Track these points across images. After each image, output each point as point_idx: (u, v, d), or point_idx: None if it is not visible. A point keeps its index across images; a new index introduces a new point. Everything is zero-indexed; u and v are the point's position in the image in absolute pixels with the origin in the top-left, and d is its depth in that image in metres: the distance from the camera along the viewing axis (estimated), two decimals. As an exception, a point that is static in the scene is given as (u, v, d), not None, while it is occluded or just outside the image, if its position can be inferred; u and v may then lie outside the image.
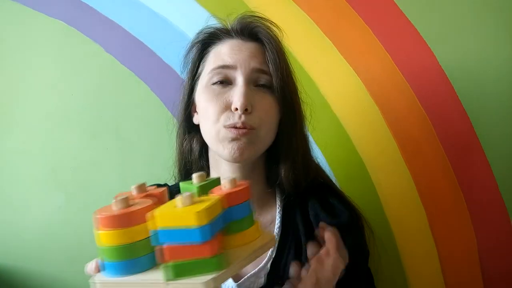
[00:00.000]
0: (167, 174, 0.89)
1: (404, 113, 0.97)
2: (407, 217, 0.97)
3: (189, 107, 0.78)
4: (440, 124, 0.96)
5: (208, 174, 0.80)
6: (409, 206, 0.97)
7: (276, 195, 0.79)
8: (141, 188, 0.56)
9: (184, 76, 0.81)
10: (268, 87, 0.72)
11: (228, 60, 0.72)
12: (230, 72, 0.71)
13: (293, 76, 0.78)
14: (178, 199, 0.47)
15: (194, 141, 0.79)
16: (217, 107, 0.70)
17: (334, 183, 0.85)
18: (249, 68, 0.71)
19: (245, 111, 0.69)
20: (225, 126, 0.69)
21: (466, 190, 0.95)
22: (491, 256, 0.94)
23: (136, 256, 0.50)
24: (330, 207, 0.76)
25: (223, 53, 0.73)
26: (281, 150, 0.75)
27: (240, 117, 0.68)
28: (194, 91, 0.77)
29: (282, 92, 0.72)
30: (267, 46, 0.72)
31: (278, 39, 0.76)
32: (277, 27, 0.79)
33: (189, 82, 0.78)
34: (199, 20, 1.05)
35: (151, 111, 1.07)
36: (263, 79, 0.72)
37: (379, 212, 0.97)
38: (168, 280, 0.47)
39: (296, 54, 1.00)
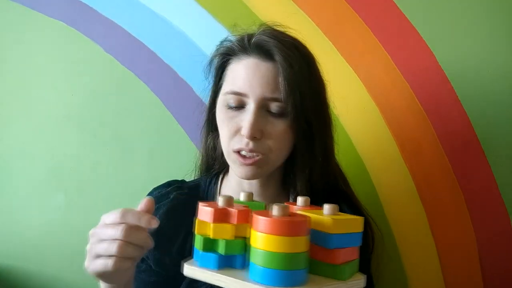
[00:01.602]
0: (167, 174, 0.89)
1: (404, 113, 0.97)
2: (407, 217, 0.97)
3: (213, 109, 0.78)
4: (440, 124, 0.96)
5: (227, 170, 0.82)
6: (409, 206, 0.97)
7: (290, 198, 0.80)
8: (229, 201, 0.57)
9: (209, 80, 0.81)
10: (280, 113, 0.70)
11: (240, 87, 0.70)
12: (242, 98, 0.71)
13: (316, 94, 0.74)
14: (327, 208, 0.54)
15: (217, 140, 0.79)
16: (228, 131, 0.71)
17: (353, 192, 0.84)
18: (261, 97, 0.69)
19: (254, 138, 0.69)
20: (234, 151, 0.71)
21: (466, 190, 0.95)
22: (491, 256, 0.94)
23: (297, 268, 0.50)
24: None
25: (238, 75, 0.72)
26: (296, 164, 0.75)
27: (247, 144, 0.69)
28: (217, 98, 0.77)
29: (295, 119, 0.70)
30: (281, 71, 0.69)
31: (298, 59, 0.71)
32: (299, 42, 0.75)
33: (213, 89, 0.78)
34: (199, 21, 1.05)
35: (151, 111, 1.07)
36: (275, 106, 0.70)
37: (379, 212, 0.97)
38: (345, 279, 0.53)
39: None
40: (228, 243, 0.53)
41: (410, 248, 0.97)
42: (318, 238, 0.52)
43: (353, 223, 0.55)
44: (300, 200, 0.55)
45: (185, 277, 0.55)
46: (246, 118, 0.69)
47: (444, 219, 0.96)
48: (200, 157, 0.85)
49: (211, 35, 1.01)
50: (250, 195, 0.61)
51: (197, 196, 0.80)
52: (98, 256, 0.58)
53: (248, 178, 0.72)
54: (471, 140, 0.94)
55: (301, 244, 0.50)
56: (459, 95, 0.95)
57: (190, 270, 0.54)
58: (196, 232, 0.54)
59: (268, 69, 0.70)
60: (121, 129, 1.08)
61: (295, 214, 0.52)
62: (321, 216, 0.53)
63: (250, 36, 0.73)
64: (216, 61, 0.77)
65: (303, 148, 0.73)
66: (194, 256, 0.55)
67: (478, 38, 0.95)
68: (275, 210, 0.50)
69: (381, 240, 0.87)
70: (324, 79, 0.78)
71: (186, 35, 1.05)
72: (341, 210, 0.77)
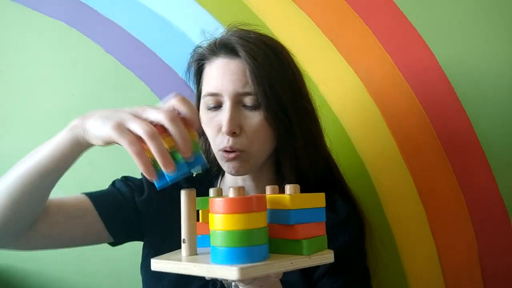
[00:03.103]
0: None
1: (403, 113, 0.97)
2: (407, 217, 0.97)
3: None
4: (440, 124, 0.96)
5: (224, 173, 0.85)
6: (409, 206, 0.97)
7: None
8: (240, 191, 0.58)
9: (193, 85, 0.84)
10: (255, 106, 0.73)
11: (214, 87, 0.74)
12: (218, 98, 0.74)
13: (290, 84, 0.76)
14: (288, 188, 0.55)
15: (208, 142, 0.81)
16: (211, 131, 0.75)
17: (344, 180, 0.86)
18: (233, 94, 0.72)
19: (233, 134, 0.72)
20: (219, 150, 0.74)
21: (466, 190, 0.95)
22: (491, 256, 0.94)
23: (256, 243, 0.50)
24: (332, 202, 0.77)
25: (211, 77, 0.75)
26: (282, 155, 0.78)
27: (228, 140, 0.72)
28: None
29: (269, 109, 0.72)
30: (247, 65, 0.72)
31: (267, 49, 0.75)
32: (267, 36, 0.78)
33: (196, 95, 0.82)
34: (199, 20, 1.05)
35: (151, 111, 1.07)
36: (248, 100, 0.73)
37: (379, 212, 0.97)
38: (309, 253, 0.53)
39: (296, 54, 0.99)
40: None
41: (410, 248, 0.97)
42: (279, 217, 0.54)
43: (313, 198, 0.57)
44: (288, 188, 0.56)
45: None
46: (224, 116, 0.72)
47: (444, 219, 0.96)
48: None
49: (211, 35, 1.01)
50: (241, 190, 0.59)
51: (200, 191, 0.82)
52: (125, 129, 0.57)
53: (237, 174, 0.74)
54: (471, 140, 0.94)
55: (257, 220, 0.50)
56: (459, 95, 0.95)
57: (156, 264, 0.54)
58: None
59: (236, 66, 0.73)
60: (121, 129, 1.08)
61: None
62: (279, 195, 0.55)
63: (217, 39, 0.77)
64: (192, 69, 0.81)
65: (283, 138, 0.75)
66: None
67: (478, 38, 0.95)
68: (231, 192, 0.51)
69: (373, 238, 0.87)
70: (300, 69, 0.80)
71: (186, 35, 1.05)
72: (333, 199, 0.79)
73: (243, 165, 0.73)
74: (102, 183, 1.07)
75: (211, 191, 0.60)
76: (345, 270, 0.74)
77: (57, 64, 1.10)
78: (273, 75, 0.73)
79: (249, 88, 0.72)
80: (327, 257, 0.56)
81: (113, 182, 0.84)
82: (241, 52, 0.73)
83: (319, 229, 0.57)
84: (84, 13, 1.08)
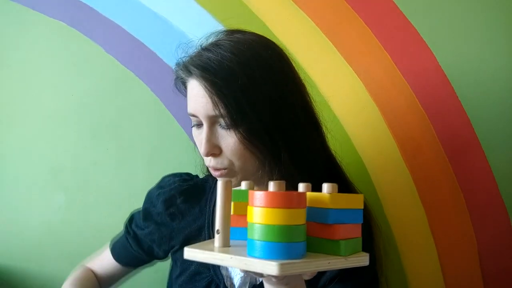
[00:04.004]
0: (167, 174, 0.89)
1: (403, 113, 0.97)
2: (407, 217, 0.97)
3: None
4: (440, 124, 0.96)
5: None
6: (409, 206, 0.97)
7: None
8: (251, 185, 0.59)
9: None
10: (228, 126, 0.68)
11: (190, 109, 0.71)
12: (197, 118, 0.71)
13: (268, 96, 0.69)
14: (326, 187, 0.54)
15: None
16: (199, 148, 0.73)
17: (349, 181, 0.82)
18: (206, 116, 0.69)
19: (213, 154, 0.70)
20: (207, 165, 0.74)
21: (466, 190, 0.95)
22: (491, 256, 0.94)
23: (294, 240, 0.49)
24: None
25: (188, 97, 0.72)
26: (271, 168, 0.72)
27: (210, 161, 0.72)
28: None
29: (241, 129, 0.67)
30: (205, 88, 0.67)
31: (234, 63, 0.67)
32: (245, 41, 0.70)
33: None
34: (199, 20, 1.06)
35: (151, 111, 1.07)
36: (221, 121, 0.69)
37: (379, 212, 0.97)
38: (345, 254, 0.52)
39: (296, 54, 0.99)
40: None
41: (410, 248, 0.97)
42: (317, 215, 0.53)
43: (352, 199, 0.55)
44: (325, 187, 0.54)
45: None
46: (202, 137, 0.70)
47: (444, 219, 0.96)
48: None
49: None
50: (281, 184, 0.55)
51: (203, 190, 0.85)
52: None
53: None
54: (471, 140, 0.94)
55: (298, 216, 0.49)
56: (459, 95, 0.95)
57: (190, 252, 0.54)
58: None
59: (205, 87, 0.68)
60: (121, 129, 1.08)
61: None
62: (319, 193, 0.53)
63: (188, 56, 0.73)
64: (179, 85, 0.76)
65: (269, 151, 0.70)
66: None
67: (478, 38, 0.95)
68: (271, 186, 0.50)
69: (381, 240, 0.87)
70: (296, 73, 0.75)
71: (186, 35, 1.05)
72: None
73: (233, 178, 0.72)
74: (103, 185, 1.07)
75: (244, 184, 0.60)
76: (352, 275, 0.71)
77: (57, 64, 1.09)
78: (239, 93, 0.66)
79: (217, 111, 0.67)
80: (362, 259, 0.55)
81: (126, 232, 0.90)
82: (198, 75, 0.68)
83: (356, 231, 0.56)
84: (84, 13, 1.08)
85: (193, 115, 0.71)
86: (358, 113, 0.99)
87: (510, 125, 0.94)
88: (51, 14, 1.09)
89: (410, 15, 0.97)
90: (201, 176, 0.89)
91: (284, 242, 0.48)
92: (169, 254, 0.86)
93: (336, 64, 1.00)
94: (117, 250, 0.90)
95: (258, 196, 0.49)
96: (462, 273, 0.95)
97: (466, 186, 0.95)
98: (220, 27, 1.02)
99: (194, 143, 0.76)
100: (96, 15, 1.08)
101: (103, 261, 0.91)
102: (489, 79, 0.94)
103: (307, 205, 0.53)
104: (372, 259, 0.77)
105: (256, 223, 0.49)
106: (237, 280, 0.77)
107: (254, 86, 0.67)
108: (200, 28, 1.05)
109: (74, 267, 0.94)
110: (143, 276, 0.99)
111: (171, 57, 1.07)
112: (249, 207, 0.50)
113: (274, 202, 0.48)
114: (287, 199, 0.49)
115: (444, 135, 0.96)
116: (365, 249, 0.70)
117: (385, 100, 0.98)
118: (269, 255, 0.48)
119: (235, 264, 0.50)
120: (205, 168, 0.83)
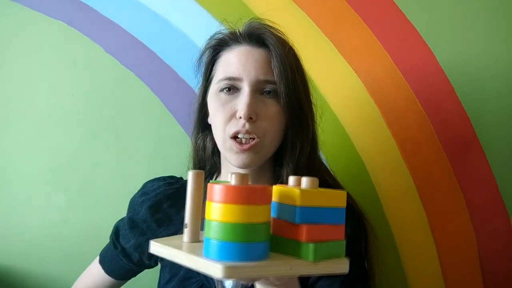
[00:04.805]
0: (167, 174, 0.89)
1: (403, 113, 0.97)
2: (407, 217, 0.97)
3: (203, 108, 0.80)
4: (440, 124, 0.96)
5: (219, 171, 0.83)
6: (409, 206, 0.97)
7: None
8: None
9: (198, 78, 0.82)
10: (273, 95, 0.73)
11: (234, 72, 0.73)
12: (236, 83, 0.73)
13: (303, 80, 0.78)
14: (304, 181, 0.48)
15: (208, 139, 0.81)
16: (224, 116, 0.73)
17: (341, 186, 0.83)
18: (255, 80, 0.72)
19: (250, 119, 0.71)
20: (230, 136, 0.72)
21: (466, 190, 0.95)
22: (491, 256, 0.94)
23: (257, 240, 0.44)
24: None
25: (231, 62, 0.75)
26: (285, 153, 0.76)
27: (244, 125, 0.71)
28: (207, 94, 0.79)
29: (288, 100, 0.72)
30: (273, 53, 0.73)
31: (287, 45, 0.76)
32: (284, 34, 0.79)
33: (203, 84, 0.80)
34: (199, 21, 1.05)
35: (151, 111, 1.07)
36: (268, 88, 0.73)
37: (379, 212, 0.97)
38: (315, 259, 0.46)
39: (296, 54, 1.00)
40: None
41: (410, 248, 0.97)
42: (286, 213, 0.47)
43: (332, 196, 0.48)
44: (304, 181, 0.48)
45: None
46: (242, 100, 0.71)
47: (444, 219, 0.96)
48: (191, 160, 0.85)
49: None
50: (245, 177, 0.50)
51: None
52: None
53: (245, 166, 0.73)
54: (471, 140, 0.94)
55: (258, 213, 0.44)
56: (459, 95, 0.95)
57: (154, 247, 0.51)
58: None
59: (260, 54, 0.74)
60: (121, 129, 1.08)
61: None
62: (289, 188, 0.48)
63: (241, 26, 0.78)
64: (207, 55, 0.79)
65: (293, 133, 0.75)
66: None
67: (478, 38, 0.95)
68: (233, 178, 0.45)
69: (375, 240, 0.86)
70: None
71: (186, 35, 1.05)
72: None
73: (254, 157, 0.72)
74: (104, 184, 1.07)
75: (231, 176, 0.56)
76: (341, 280, 0.72)
77: (57, 64, 1.09)
78: (294, 68, 0.74)
79: (271, 77, 0.72)
80: (339, 267, 0.48)
81: (113, 247, 0.88)
82: (270, 40, 0.74)
83: (336, 233, 0.49)
84: (84, 13, 1.08)
85: (233, 79, 0.73)
86: (358, 113, 0.99)
87: (510, 125, 0.94)
88: (51, 14, 1.09)
89: (410, 14, 0.97)
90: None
91: (241, 241, 0.43)
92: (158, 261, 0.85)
93: (336, 64, 1.00)
94: (107, 265, 0.88)
95: (216, 189, 0.44)
96: (462, 273, 0.95)
97: (466, 186, 0.95)
98: (220, 27, 1.02)
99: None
100: (96, 15, 1.08)
101: (95, 278, 0.90)
102: (489, 79, 0.94)
103: (278, 200, 0.48)
104: (361, 258, 0.77)
105: (212, 220, 0.44)
106: (228, 284, 0.75)
107: (300, 68, 0.78)
108: (200, 28, 1.05)
109: (74, 267, 0.94)
110: (134, 282, 0.97)
111: (171, 57, 1.07)
112: (207, 203, 0.46)
113: (231, 197, 0.43)
114: (246, 194, 0.43)
115: (444, 135, 0.96)
116: (353, 248, 0.65)
117: (385, 100, 0.98)
118: (222, 256, 0.43)
119: (188, 263, 0.46)
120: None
